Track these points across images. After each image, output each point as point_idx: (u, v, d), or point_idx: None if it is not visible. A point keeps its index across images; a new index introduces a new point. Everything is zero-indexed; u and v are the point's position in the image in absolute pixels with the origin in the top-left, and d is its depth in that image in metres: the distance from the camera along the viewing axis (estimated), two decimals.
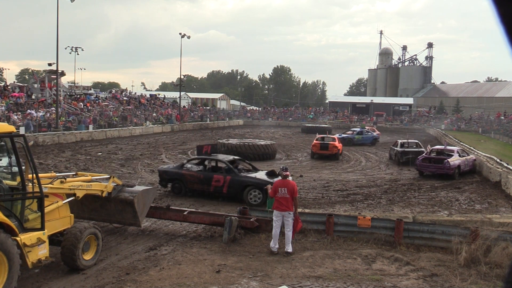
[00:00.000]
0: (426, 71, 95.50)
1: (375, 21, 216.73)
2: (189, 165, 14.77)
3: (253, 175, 13.79)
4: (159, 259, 8.31)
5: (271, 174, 13.94)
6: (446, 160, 18.81)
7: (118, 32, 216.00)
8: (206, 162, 14.65)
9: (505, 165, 18.45)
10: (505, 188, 15.97)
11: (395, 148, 24.31)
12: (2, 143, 6.89)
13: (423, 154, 20.92)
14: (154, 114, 48.83)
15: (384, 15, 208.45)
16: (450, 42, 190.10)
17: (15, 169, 7.02)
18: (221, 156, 15.26)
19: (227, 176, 13.59)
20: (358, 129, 36.32)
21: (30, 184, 6.74)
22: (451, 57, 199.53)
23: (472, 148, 26.58)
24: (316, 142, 25.36)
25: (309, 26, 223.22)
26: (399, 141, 25.33)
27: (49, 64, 40.24)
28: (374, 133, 35.82)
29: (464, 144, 29.56)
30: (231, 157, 15.15)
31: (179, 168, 14.67)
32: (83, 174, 9.54)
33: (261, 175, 13.85)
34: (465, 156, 20.58)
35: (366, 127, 41.18)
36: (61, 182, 7.74)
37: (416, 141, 25.67)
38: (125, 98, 53.05)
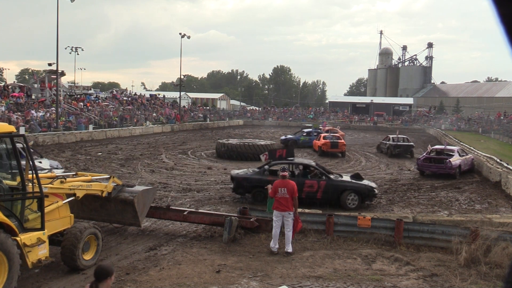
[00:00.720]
0: (426, 71, 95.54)
1: (375, 21, 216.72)
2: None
3: (345, 179, 13.64)
4: (159, 259, 8.31)
5: (356, 176, 13.87)
6: (448, 160, 18.88)
7: (118, 32, 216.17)
8: (289, 167, 13.37)
9: (505, 165, 18.45)
10: (505, 188, 15.97)
11: (387, 142, 27.43)
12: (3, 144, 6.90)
13: (424, 154, 20.91)
14: (154, 114, 48.83)
15: (385, 15, 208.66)
16: (450, 42, 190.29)
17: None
18: (306, 161, 14.78)
19: (321, 181, 13.11)
20: (308, 130, 32.92)
21: (30, 184, 6.75)
22: (451, 57, 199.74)
23: (472, 148, 26.59)
24: (327, 141, 26.56)
25: (309, 26, 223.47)
26: (391, 136, 28.38)
27: (49, 64, 40.27)
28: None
29: (464, 144, 29.57)
30: (306, 161, 14.81)
31: (261, 175, 13.37)
32: (83, 174, 9.54)
33: (349, 178, 13.72)
34: (464, 155, 20.72)
35: (322, 127, 37.68)
36: (61, 182, 7.74)
37: (405, 136, 29.36)
38: (124, 98, 53.05)
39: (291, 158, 13.94)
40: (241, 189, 13.47)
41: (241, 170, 15.02)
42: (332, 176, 13.49)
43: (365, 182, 13.67)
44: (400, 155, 26.27)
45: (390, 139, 27.61)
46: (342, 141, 27.20)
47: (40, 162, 15.08)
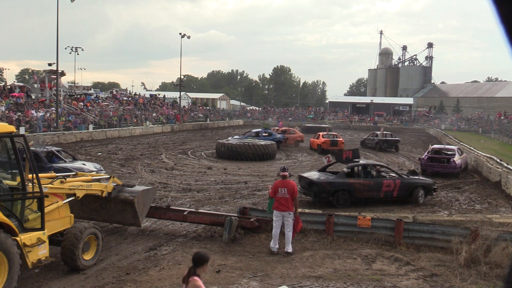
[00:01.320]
0: (426, 71, 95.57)
1: (375, 21, 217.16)
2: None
3: (411, 176, 14.90)
4: (159, 259, 8.31)
5: (413, 173, 15.30)
6: (452, 160, 19.04)
7: (118, 32, 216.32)
8: (365, 168, 13.80)
9: (505, 165, 18.45)
10: (505, 188, 15.97)
11: (375, 138, 30.67)
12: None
13: (426, 154, 20.69)
14: (154, 114, 48.84)
15: (385, 15, 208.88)
16: (451, 42, 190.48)
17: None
18: (377, 162, 15.82)
19: (397, 180, 13.63)
20: (257, 130, 30.24)
21: (30, 184, 6.75)
22: (452, 57, 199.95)
23: (472, 148, 26.60)
24: (326, 139, 28.13)
25: (309, 26, 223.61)
26: (378, 132, 31.62)
27: (49, 64, 40.31)
28: (278, 135, 28.85)
29: (464, 144, 29.57)
30: (378, 162, 16.00)
31: (343, 178, 13.28)
32: (83, 174, 9.54)
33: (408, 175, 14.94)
34: (462, 154, 21.16)
35: (278, 127, 34.97)
36: (61, 182, 7.74)
37: (390, 132, 33.01)
38: (124, 98, 53.05)
39: (357, 160, 14.17)
40: (325, 194, 13.17)
41: (312, 173, 14.58)
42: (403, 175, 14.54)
43: (424, 178, 15.35)
44: (387, 149, 29.87)
45: (378, 135, 30.66)
46: (341, 139, 28.72)
47: (84, 164, 15.39)
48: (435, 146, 23.10)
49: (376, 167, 14.32)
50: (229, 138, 28.25)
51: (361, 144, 31.90)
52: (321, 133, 29.76)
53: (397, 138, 31.12)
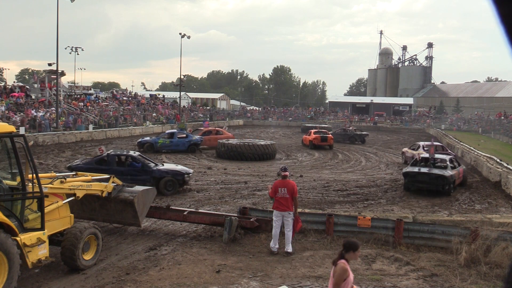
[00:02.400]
0: (426, 71, 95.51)
1: (376, 21, 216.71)
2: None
3: None
4: (159, 259, 8.31)
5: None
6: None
7: (118, 32, 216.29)
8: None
9: (505, 165, 18.45)
10: (505, 188, 15.97)
11: (347, 133, 36.15)
12: None
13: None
14: (154, 114, 48.84)
15: (385, 15, 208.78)
16: (451, 42, 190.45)
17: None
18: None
19: (460, 169, 16.82)
20: (172, 131, 28.53)
21: (30, 184, 6.75)
22: (452, 57, 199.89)
23: (472, 148, 26.60)
24: (317, 135, 30.55)
25: (309, 26, 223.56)
26: (347, 128, 38.25)
27: (49, 64, 40.29)
28: (194, 137, 27.24)
29: (464, 144, 29.58)
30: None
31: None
32: (83, 174, 9.54)
33: None
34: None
35: (204, 127, 33.27)
36: (61, 182, 7.74)
37: (356, 128, 40.66)
38: (124, 98, 53.05)
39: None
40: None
41: (422, 168, 16.04)
42: None
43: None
44: (356, 142, 35.07)
45: (348, 131, 37.07)
46: (330, 135, 31.38)
47: (177, 166, 16.30)
48: (423, 142, 22.73)
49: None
50: (141, 138, 27.45)
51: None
52: (312, 130, 32.48)
53: (365, 133, 37.41)
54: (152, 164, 14.74)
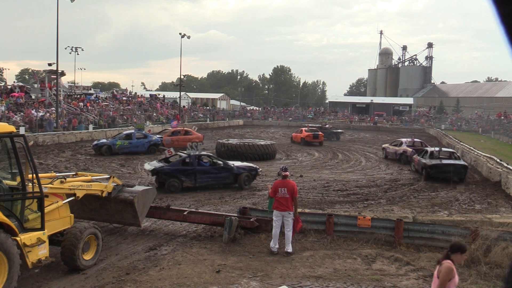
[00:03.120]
0: (426, 71, 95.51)
1: (376, 21, 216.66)
2: None
3: None
4: (159, 259, 8.31)
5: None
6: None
7: (118, 32, 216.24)
8: None
9: (505, 165, 18.44)
10: (505, 188, 15.97)
11: (326, 131, 37.87)
12: None
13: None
14: (154, 114, 48.84)
15: (385, 15, 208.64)
16: (451, 42, 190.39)
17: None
18: None
19: None
20: (129, 132, 26.75)
21: (30, 184, 6.75)
22: (452, 57, 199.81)
23: (472, 148, 26.60)
24: (309, 133, 33.21)
25: (310, 26, 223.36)
26: (326, 126, 41.19)
27: (49, 64, 40.26)
28: (153, 137, 26.46)
29: (464, 144, 29.58)
30: None
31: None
32: (83, 174, 9.54)
33: None
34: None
35: (172, 127, 32.12)
36: (61, 182, 7.74)
37: (332, 126, 44.80)
38: (124, 98, 53.05)
39: None
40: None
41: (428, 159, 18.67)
42: None
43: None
44: (332, 139, 37.40)
45: (326, 127, 40.42)
46: (321, 133, 33.88)
47: (246, 163, 17.27)
48: (406, 148, 23.64)
49: None
50: (96, 141, 25.81)
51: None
52: (303, 129, 34.85)
53: (340, 131, 41.02)
54: (229, 162, 16.35)
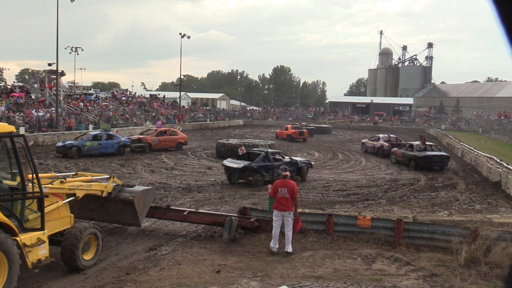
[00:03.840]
0: (426, 71, 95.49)
1: (376, 21, 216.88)
2: None
3: None
4: (159, 259, 8.31)
5: None
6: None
7: (118, 32, 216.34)
8: None
9: (505, 165, 18.45)
10: (505, 188, 15.97)
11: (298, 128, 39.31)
12: None
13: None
14: (154, 114, 48.82)
15: (386, 15, 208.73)
16: (451, 42, 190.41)
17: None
18: None
19: None
20: (96, 133, 25.16)
21: (30, 184, 6.74)
22: (452, 57, 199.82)
23: (472, 148, 26.60)
24: (295, 130, 36.82)
25: (310, 26, 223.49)
26: (295, 124, 43.59)
27: (49, 64, 40.26)
28: (122, 138, 25.35)
29: (464, 144, 29.57)
30: None
31: None
32: (83, 174, 9.54)
33: None
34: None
35: (157, 127, 30.63)
36: (61, 182, 7.74)
37: (307, 123, 48.79)
38: (123, 98, 53.04)
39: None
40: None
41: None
42: None
43: None
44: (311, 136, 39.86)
45: (300, 125, 42.75)
46: (306, 131, 37.47)
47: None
48: (384, 142, 26.74)
49: None
50: (62, 142, 24.12)
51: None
52: (289, 126, 38.56)
53: (312, 128, 44.00)
54: (293, 157, 18.67)
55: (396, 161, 23.31)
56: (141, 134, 29.16)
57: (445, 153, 22.45)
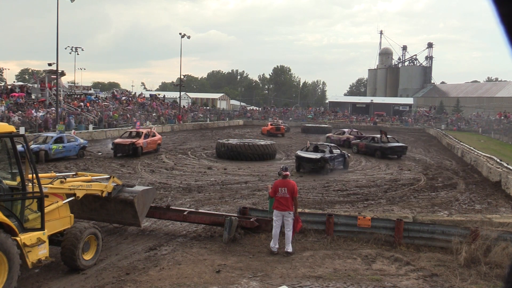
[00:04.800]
0: (426, 71, 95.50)
1: (376, 21, 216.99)
2: None
3: None
4: (159, 259, 8.31)
5: None
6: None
7: (118, 32, 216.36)
8: None
9: (505, 165, 18.45)
10: (505, 188, 15.97)
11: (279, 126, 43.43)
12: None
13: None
14: (154, 114, 48.83)
15: (386, 15, 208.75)
16: (451, 42, 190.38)
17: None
18: None
19: None
20: (54, 135, 22.90)
21: (30, 184, 6.74)
22: (452, 57, 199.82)
23: (472, 148, 26.60)
24: (272, 126, 42.45)
25: (310, 26, 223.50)
26: (277, 121, 48.05)
27: (49, 64, 40.23)
28: (80, 140, 23.62)
29: (464, 144, 29.57)
30: None
31: None
32: (83, 174, 9.54)
33: None
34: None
35: (136, 128, 28.11)
36: (61, 182, 7.74)
37: (282, 121, 50.69)
38: (123, 97, 53.04)
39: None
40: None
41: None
42: None
43: None
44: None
45: (275, 123, 45.61)
46: (283, 126, 43.20)
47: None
48: (350, 135, 31.88)
49: None
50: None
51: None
52: (269, 123, 44.94)
53: (287, 126, 47.69)
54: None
55: (357, 151, 27.61)
56: (121, 137, 26.22)
57: (404, 144, 27.38)
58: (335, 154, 20.36)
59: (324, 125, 50.52)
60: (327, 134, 35.53)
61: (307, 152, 20.85)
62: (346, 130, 34.96)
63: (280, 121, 49.57)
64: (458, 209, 13.55)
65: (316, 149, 21.18)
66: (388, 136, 27.69)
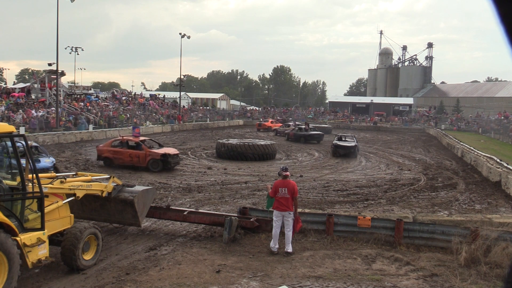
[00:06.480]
0: (426, 71, 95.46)
1: (377, 21, 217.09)
2: None
3: None
4: (159, 259, 8.31)
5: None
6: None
7: (118, 31, 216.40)
8: None
9: (505, 165, 18.45)
10: (505, 188, 15.97)
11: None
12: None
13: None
14: (154, 114, 48.83)
15: (387, 15, 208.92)
16: (452, 42, 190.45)
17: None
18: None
19: None
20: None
21: (30, 184, 6.74)
22: (453, 57, 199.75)
23: (472, 148, 26.60)
24: (257, 123, 50.79)
25: (311, 26, 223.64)
26: (259, 121, 54.24)
27: (49, 64, 40.25)
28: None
29: (464, 144, 29.57)
30: None
31: None
32: (83, 174, 9.54)
33: None
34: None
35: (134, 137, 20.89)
36: (61, 182, 7.74)
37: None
38: (123, 97, 53.02)
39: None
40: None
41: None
42: None
43: None
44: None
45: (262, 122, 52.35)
46: (268, 123, 49.11)
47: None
48: (299, 127, 37.52)
49: None
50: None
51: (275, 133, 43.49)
52: (258, 123, 51.25)
53: (328, 126, 52.45)
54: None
55: (287, 138, 36.04)
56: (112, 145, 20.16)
57: (321, 132, 36.04)
58: (358, 144, 26.73)
59: (324, 125, 50.58)
60: (273, 128, 45.19)
61: (342, 141, 27.37)
62: (291, 123, 44.58)
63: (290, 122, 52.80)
64: (458, 209, 13.55)
65: (340, 139, 27.59)
66: (310, 126, 36.89)
